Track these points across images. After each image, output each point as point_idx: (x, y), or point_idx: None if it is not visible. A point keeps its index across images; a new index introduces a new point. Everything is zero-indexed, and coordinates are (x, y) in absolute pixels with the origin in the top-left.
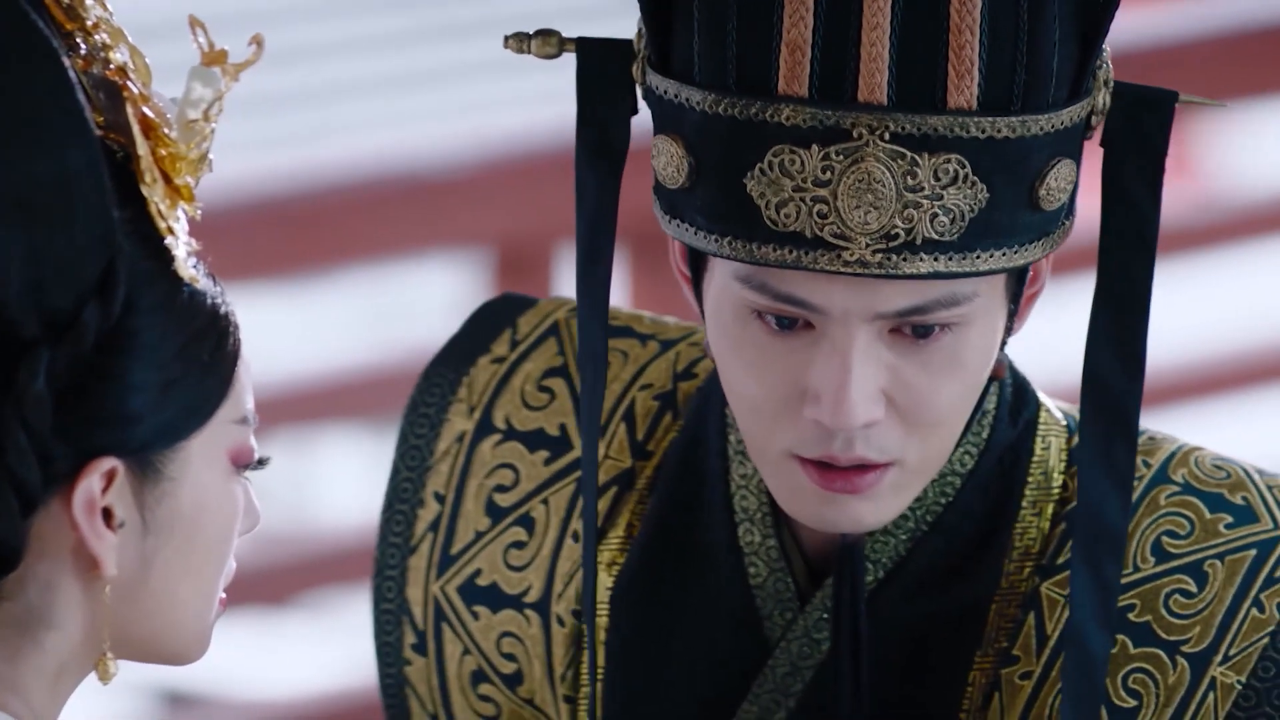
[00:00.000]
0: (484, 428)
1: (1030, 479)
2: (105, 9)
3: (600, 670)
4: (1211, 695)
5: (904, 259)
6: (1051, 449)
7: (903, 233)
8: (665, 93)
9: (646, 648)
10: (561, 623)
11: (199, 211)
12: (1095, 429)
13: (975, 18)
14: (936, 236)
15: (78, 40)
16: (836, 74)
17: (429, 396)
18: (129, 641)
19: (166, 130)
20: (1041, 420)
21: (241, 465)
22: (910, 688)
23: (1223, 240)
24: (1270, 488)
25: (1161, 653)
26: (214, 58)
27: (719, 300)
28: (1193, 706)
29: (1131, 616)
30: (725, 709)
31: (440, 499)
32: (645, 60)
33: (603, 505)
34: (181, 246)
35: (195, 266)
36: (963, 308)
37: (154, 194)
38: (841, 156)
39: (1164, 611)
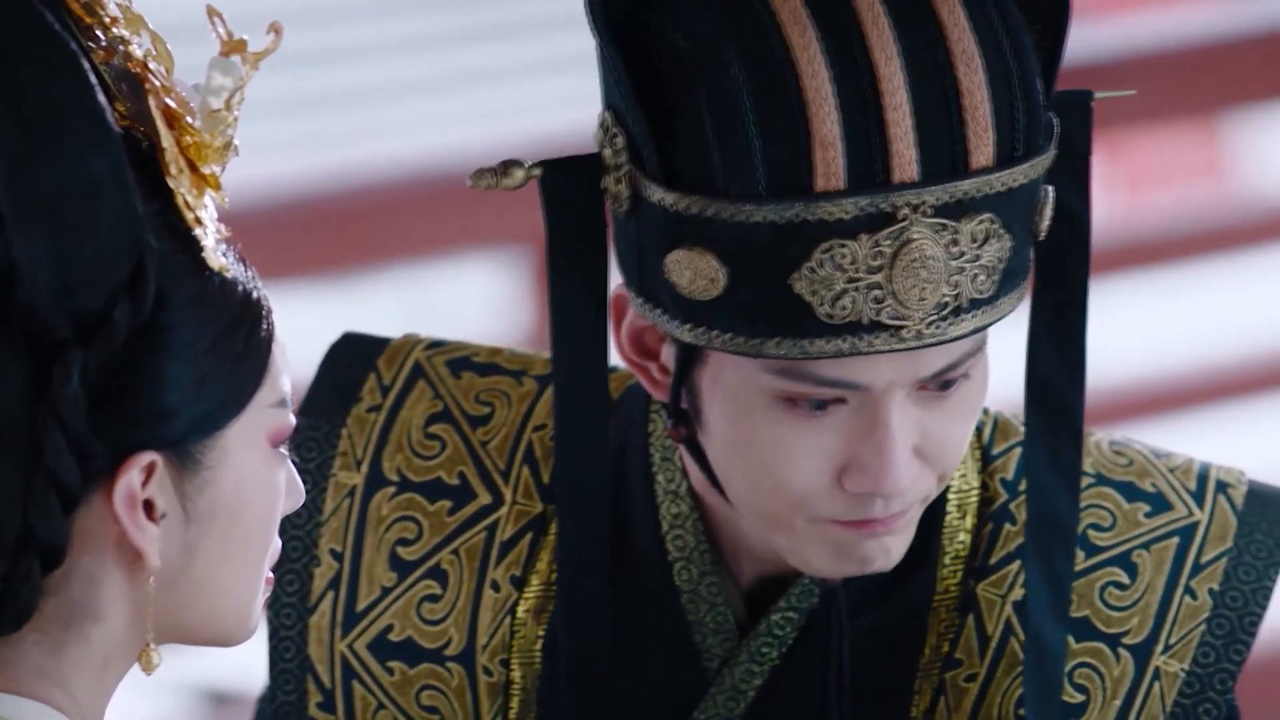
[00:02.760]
0: (375, 480)
1: (951, 483)
2: None
3: (532, 718)
4: (1157, 685)
5: (950, 324)
6: (965, 451)
7: (951, 300)
8: (685, 208)
9: (587, 680)
10: (489, 673)
11: (227, 199)
12: (1041, 427)
13: (980, 77)
14: (979, 295)
15: (97, 33)
16: (868, 160)
17: (308, 453)
18: (175, 628)
19: (190, 120)
20: None
21: (281, 443)
22: (859, 701)
23: (1250, 242)
24: (1171, 471)
25: (1104, 646)
26: (233, 47)
27: (738, 393)
28: (1140, 697)
29: (1070, 611)
30: None
31: (338, 556)
32: (629, 174)
33: (517, 554)
34: (210, 235)
35: (225, 254)
36: (981, 353)
37: (180, 185)
38: (890, 240)
39: (1101, 605)
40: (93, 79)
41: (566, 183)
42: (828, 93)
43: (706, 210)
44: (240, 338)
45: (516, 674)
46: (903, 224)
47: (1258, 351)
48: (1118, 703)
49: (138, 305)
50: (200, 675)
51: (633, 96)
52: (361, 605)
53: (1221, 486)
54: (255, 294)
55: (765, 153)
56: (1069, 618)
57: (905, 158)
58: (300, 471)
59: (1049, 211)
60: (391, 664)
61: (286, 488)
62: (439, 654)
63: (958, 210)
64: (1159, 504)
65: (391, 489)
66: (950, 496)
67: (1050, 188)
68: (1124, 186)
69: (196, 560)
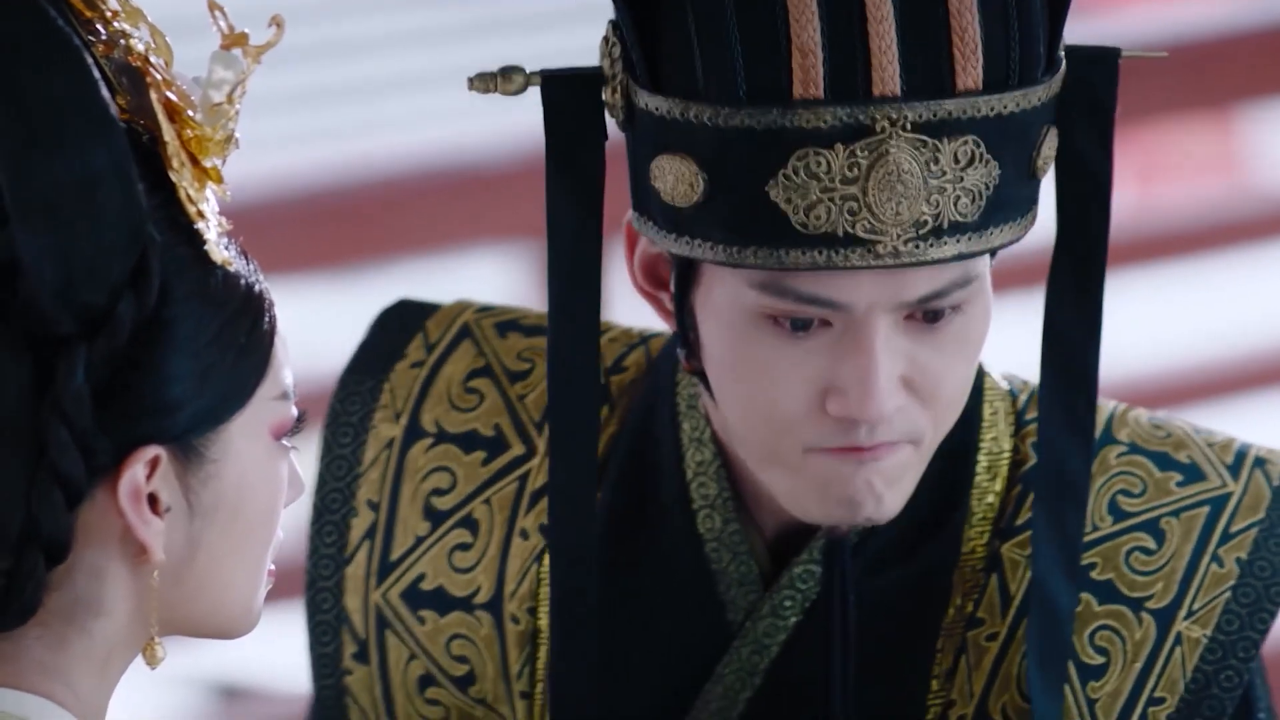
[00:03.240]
0: (413, 432)
1: (982, 445)
2: None
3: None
4: (1178, 650)
5: (931, 245)
6: (999, 414)
7: (930, 219)
8: (667, 112)
9: (607, 639)
10: (516, 620)
11: (228, 192)
12: (1056, 384)
13: (972, 0)
14: (960, 218)
15: (98, 27)
16: (849, 71)
17: (350, 405)
18: (178, 621)
19: (191, 113)
20: (986, 387)
21: (283, 436)
22: (880, 657)
23: (1262, 236)
24: (1210, 445)
25: (1127, 609)
26: (234, 40)
27: (725, 311)
28: (1160, 661)
29: (1094, 575)
30: (689, 690)
31: (374, 506)
32: (623, 83)
33: (546, 504)
34: (212, 229)
35: (227, 248)
36: (972, 286)
37: (182, 178)
38: (866, 152)
39: (1125, 569)
40: (95, 73)
41: (566, 95)
42: (811, 1)
43: (688, 113)
44: (243, 331)
45: (543, 623)
46: (881, 136)
47: (1269, 346)
48: (1138, 666)
49: (141, 300)
50: (210, 669)
51: (623, 1)
52: (396, 554)
53: (1260, 462)
54: (257, 287)
55: (746, 57)
56: (1082, 579)
57: (887, 71)
58: (342, 424)
59: (1050, 153)
60: (423, 613)
61: (289, 479)
62: (468, 602)
63: (939, 129)
64: (1192, 474)
65: (429, 440)
66: (980, 458)
67: (1054, 128)
68: (1135, 180)
69: (200, 553)
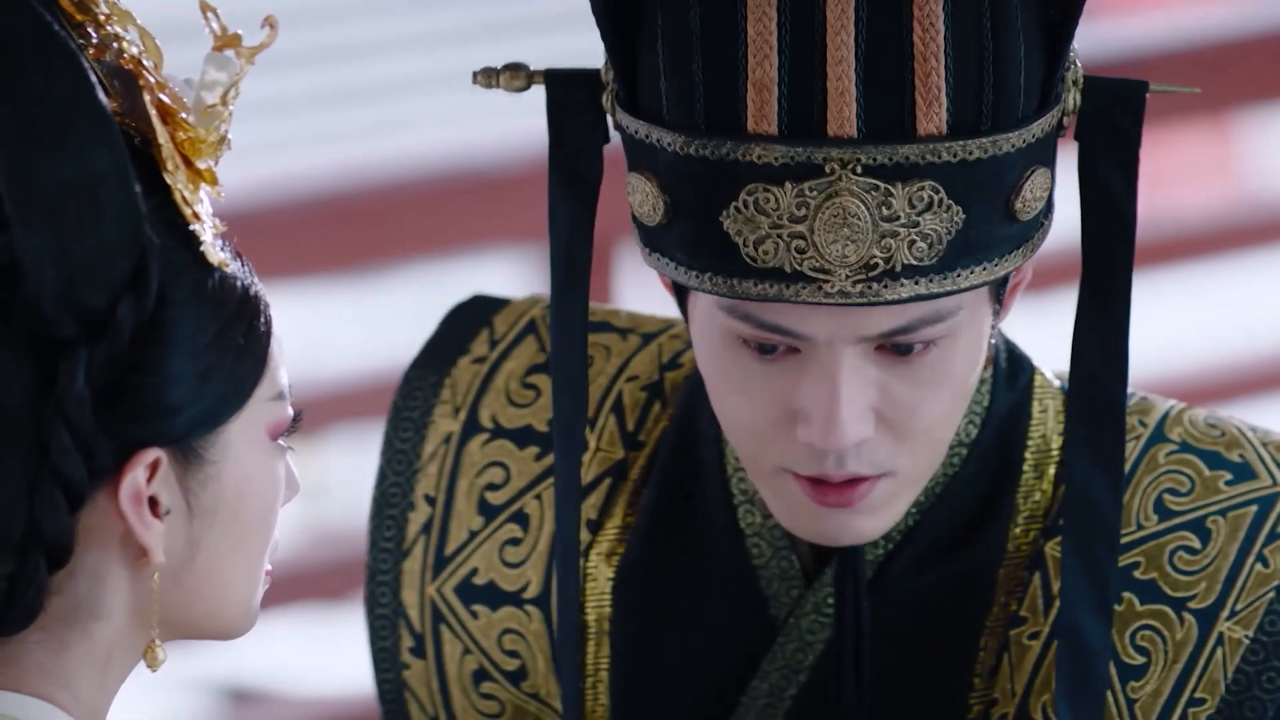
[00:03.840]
0: (471, 427)
1: (1030, 442)
2: None
3: (605, 660)
4: (1220, 650)
5: (885, 286)
6: (1049, 412)
7: (881, 261)
8: (635, 132)
9: (652, 634)
10: None
11: (222, 193)
12: (1082, 417)
13: (939, 44)
14: (916, 262)
15: (89, 30)
16: (805, 110)
17: (412, 400)
18: (177, 623)
19: (184, 115)
20: (1037, 384)
21: (279, 436)
22: (922, 656)
23: (1262, 242)
24: (1265, 444)
25: (1169, 609)
26: (227, 41)
27: (704, 327)
28: (1201, 661)
29: (1137, 574)
30: (734, 688)
31: (431, 501)
32: (614, 95)
33: (596, 498)
34: (208, 230)
35: (222, 249)
36: (947, 323)
37: (177, 181)
38: (815, 193)
39: (1169, 568)
40: (93, 77)
41: (569, 94)
42: (771, 36)
43: (651, 136)
44: (240, 332)
45: (590, 617)
46: (830, 178)
47: (1270, 351)
48: (1179, 666)
49: (141, 303)
50: (218, 672)
51: (605, 18)
52: (450, 549)
53: None
54: (253, 288)
55: (706, 87)
56: (1125, 579)
57: (843, 113)
58: (404, 419)
59: (1038, 195)
60: (476, 607)
61: (285, 479)
62: (518, 596)
63: (894, 173)
64: (1243, 473)
65: (485, 435)
66: (1027, 456)
67: (1044, 169)
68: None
69: (200, 555)
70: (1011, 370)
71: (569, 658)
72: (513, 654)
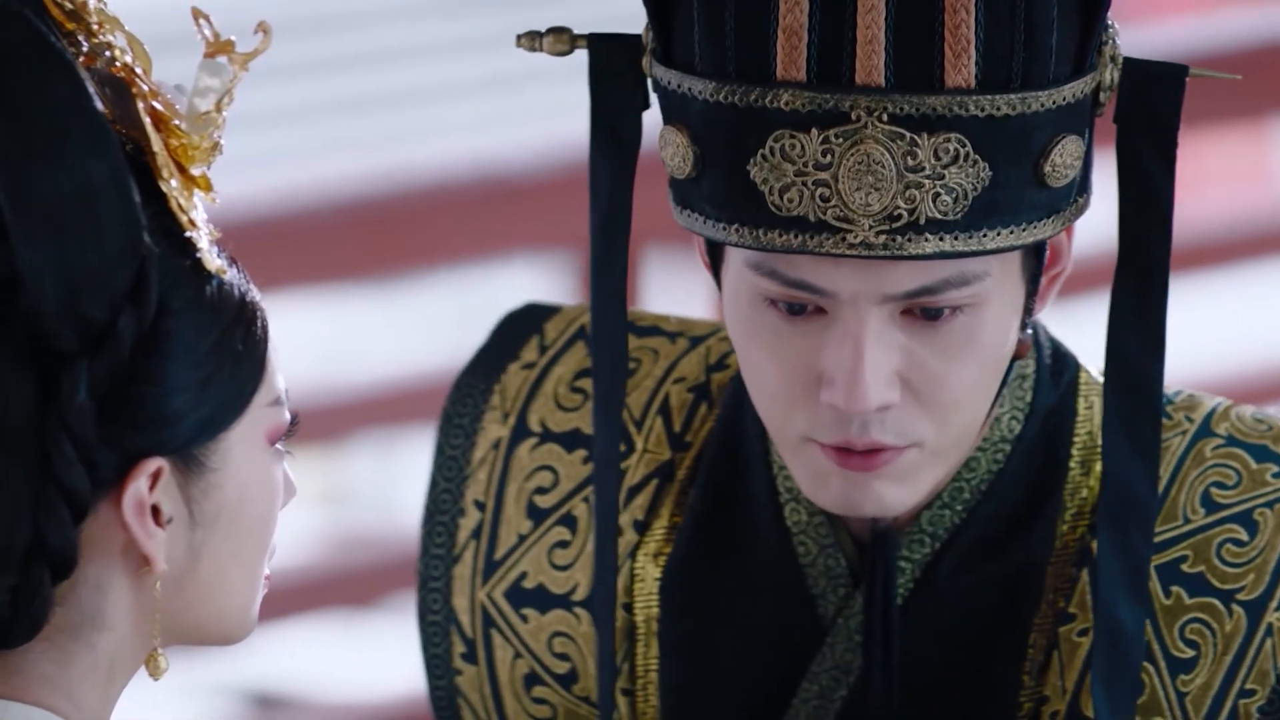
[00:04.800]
0: (520, 432)
1: (1076, 439)
2: (101, 1)
3: (655, 660)
4: (1269, 641)
5: (909, 239)
6: (1095, 408)
7: (905, 213)
8: (670, 84)
9: (701, 634)
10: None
11: (216, 198)
12: (1120, 404)
13: None
14: (940, 216)
15: (79, 38)
16: (833, 57)
17: (462, 407)
18: (178, 630)
19: (177, 122)
20: (1082, 381)
21: (277, 441)
22: (971, 654)
23: None
24: None
25: (1217, 602)
26: (219, 48)
27: (734, 288)
28: (1251, 653)
29: (1185, 568)
30: (785, 689)
31: (481, 506)
32: (652, 53)
33: (643, 499)
34: (204, 237)
35: (219, 255)
36: (973, 288)
37: (172, 188)
38: (841, 139)
39: (1217, 561)
40: (90, 87)
41: (610, 57)
42: None
43: (684, 86)
44: (238, 339)
45: (639, 618)
46: (857, 125)
47: None
48: (1228, 658)
49: (142, 313)
50: (243, 678)
51: None
52: (500, 553)
53: None
54: (250, 295)
55: (737, 34)
56: (1173, 573)
57: (872, 61)
58: (454, 426)
59: (1069, 162)
60: (525, 611)
61: (284, 484)
62: (567, 599)
63: (920, 124)
64: None
65: (534, 440)
66: (1074, 453)
67: (1076, 137)
68: None
69: (202, 562)
70: (1056, 366)
71: (606, 665)
72: (563, 657)
